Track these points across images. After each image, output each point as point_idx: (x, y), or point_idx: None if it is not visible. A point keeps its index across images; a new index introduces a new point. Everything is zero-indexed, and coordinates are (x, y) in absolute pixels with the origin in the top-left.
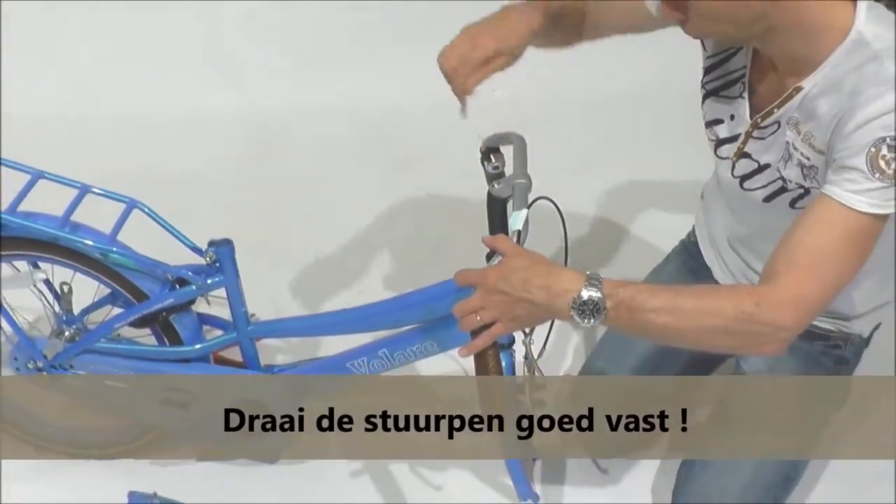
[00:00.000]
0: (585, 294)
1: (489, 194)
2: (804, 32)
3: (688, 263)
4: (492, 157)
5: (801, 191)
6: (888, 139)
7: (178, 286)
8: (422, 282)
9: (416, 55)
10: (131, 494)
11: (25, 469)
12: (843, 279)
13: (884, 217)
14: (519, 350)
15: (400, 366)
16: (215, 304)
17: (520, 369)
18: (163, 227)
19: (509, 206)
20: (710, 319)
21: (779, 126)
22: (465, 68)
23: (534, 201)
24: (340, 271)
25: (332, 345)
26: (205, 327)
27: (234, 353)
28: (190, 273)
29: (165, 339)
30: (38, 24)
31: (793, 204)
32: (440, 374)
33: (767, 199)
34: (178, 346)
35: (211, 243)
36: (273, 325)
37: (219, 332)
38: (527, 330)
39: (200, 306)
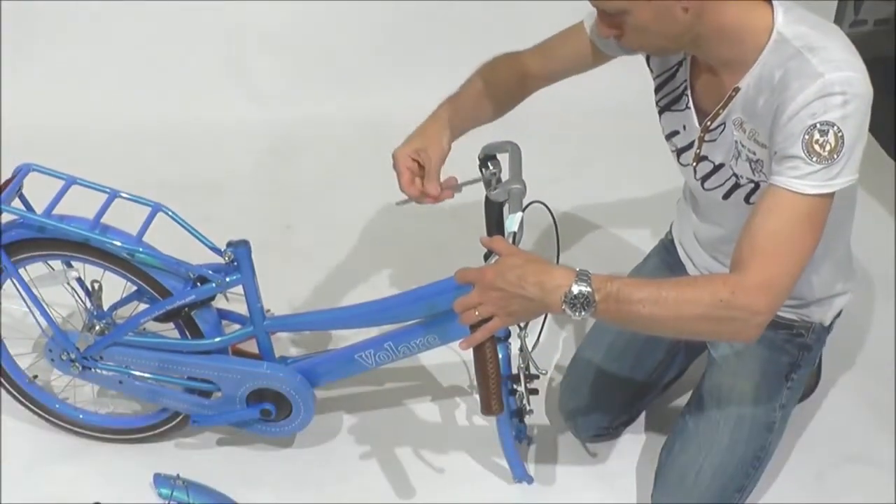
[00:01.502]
0: (576, 289)
1: (487, 199)
2: (729, 36)
3: (666, 260)
4: (489, 164)
5: (752, 185)
6: (817, 125)
7: (199, 284)
8: (424, 279)
9: (419, 73)
10: (156, 476)
11: (56, 451)
12: (803, 258)
13: (829, 195)
14: (514, 343)
15: (404, 357)
16: (233, 301)
17: (515, 360)
18: (185, 228)
19: (505, 209)
20: (690, 308)
21: (725, 126)
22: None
23: (528, 205)
24: (349, 270)
25: (342, 338)
26: (223, 322)
27: (251, 346)
28: (210, 272)
29: (187, 333)
30: (65, 37)
31: (747, 199)
32: (441, 363)
33: (726, 196)
34: (199, 339)
35: (229, 244)
36: (287, 320)
37: (236, 327)
38: (522, 324)
39: (219, 302)
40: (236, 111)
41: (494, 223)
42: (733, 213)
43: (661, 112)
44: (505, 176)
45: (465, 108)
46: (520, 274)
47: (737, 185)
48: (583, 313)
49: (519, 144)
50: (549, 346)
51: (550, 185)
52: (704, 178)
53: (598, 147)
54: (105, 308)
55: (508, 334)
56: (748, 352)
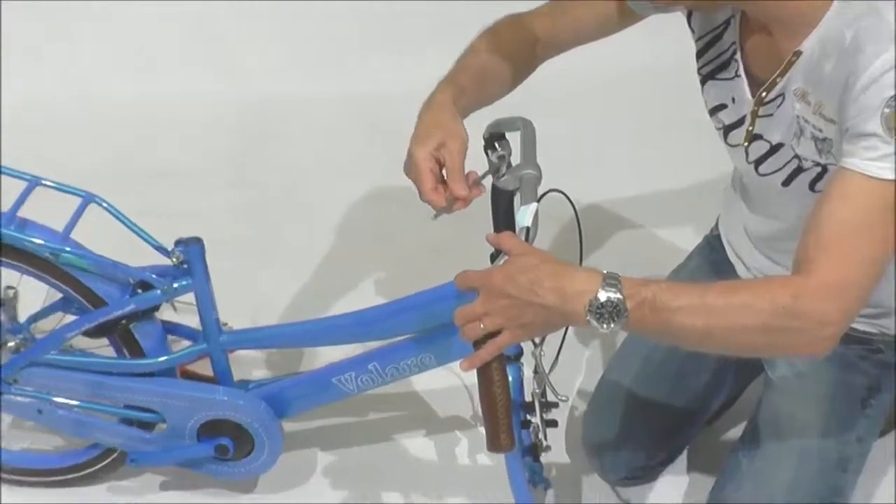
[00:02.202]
0: (603, 295)
1: (494, 187)
2: None
3: (711, 260)
4: (496, 145)
5: (819, 169)
6: None
7: (140, 290)
8: (418, 285)
9: (416, 43)
10: None
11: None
12: (882, 255)
13: None
14: (528, 364)
15: (392, 382)
16: (182, 312)
17: (529, 385)
18: (123, 223)
19: (516, 200)
20: (743, 318)
21: (784, 98)
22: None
23: (544, 195)
24: (327, 274)
25: (316, 357)
26: (170, 337)
27: (204, 367)
28: (154, 276)
29: (125, 351)
30: (10, 4)
31: (812, 186)
32: (438, 388)
33: (786, 182)
34: (140, 359)
35: (178, 242)
36: (249, 335)
37: (186, 343)
38: (536, 340)
39: (165, 313)
40: (201, 86)
41: (503, 217)
42: (794, 204)
43: (703, 81)
44: (515, 159)
45: (468, 87)
46: (534, 277)
47: (799, 170)
48: (612, 325)
49: (532, 121)
50: (570, 367)
51: (571, 169)
52: (759, 162)
53: (628, 123)
54: (21, 320)
55: (521, 353)
56: (815, 372)
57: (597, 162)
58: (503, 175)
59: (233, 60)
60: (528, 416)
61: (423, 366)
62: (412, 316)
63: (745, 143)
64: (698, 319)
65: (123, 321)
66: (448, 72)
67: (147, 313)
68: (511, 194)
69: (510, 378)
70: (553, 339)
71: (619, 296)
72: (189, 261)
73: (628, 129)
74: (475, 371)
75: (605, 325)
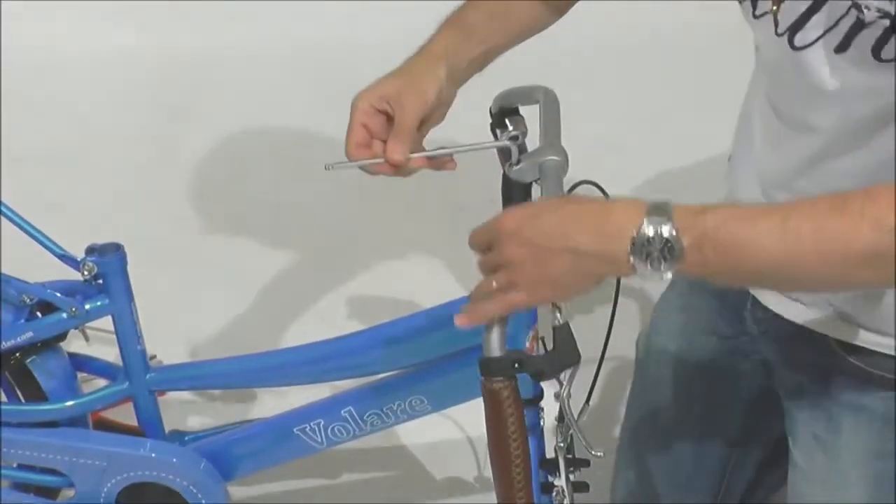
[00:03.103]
0: (650, 228)
1: (505, 177)
2: None
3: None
4: (507, 122)
5: (888, 22)
6: None
7: (39, 313)
8: (406, 307)
9: None
10: None
11: None
12: None
13: None
14: (550, 408)
15: (373, 433)
16: (97, 342)
17: (552, 437)
18: (16, 224)
19: (535, 193)
20: (838, 246)
21: None
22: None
23: (574, 187)
24: (289, 292)
25: (273, 400)
26: (81, 375)
27: (126, 414)
28: (58, 294)
29: (19, 393)
30: None
31: (877, 50)
32: (433, 442)
33: (840, 47)
34: (40, 404)
35: (91, 250)
36: (184, 372)
37: (102, 383)
38: (563, 378)
39: (73, 344)
40: (113, 38)
41: None
42: (845, 94)
43: None
44: (533, 142)
45: (478, 26)
46: (562, 216)
47: (860, 25)
48: (665, 268)
49: (555, 90)
50: (606, 412)
51: (606, 154)
52: (795, 28)
53: (678, 92)
54: None
55: (540, 395)
56: (848, 444)
57: (638, 143)
58: (518, 162)
59: (145, 9)
60: (550, 478)
61: (413, 412)
62: (399, 347)
63: (774, 6)
64: (780, 253)
65: (17, 354)
66: (457, 6)
67: (49, 344)
68: (528, 187)
69: (527, 427)
70: (582, 378)
71: (669, 227)
72: (105, 274)
73: (678, 99)
74: (483, 419)
75: (655, 270)
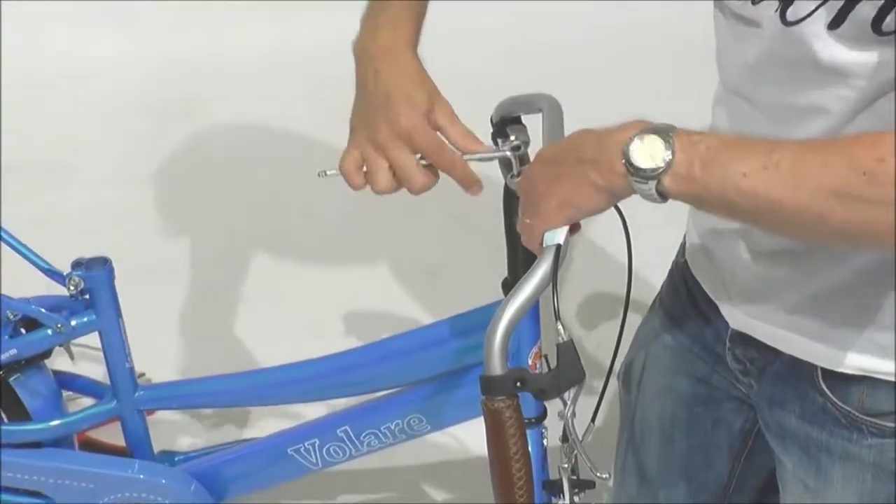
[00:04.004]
0: (645, 137)
1: (507, 189)
2: None
3: (670, 306)
4: (509, 132)
5: None
6: None
7: (24, 330)
8: (405, 322)
9: None
10: None
11: None
12: None
13: None
14: (553, 428)
15: (370, 453)
16: (83, 359)
17: (555, 458)
18: (0, 239)
19: None
20: (815, 180)
21: None
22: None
23: None
24: (283, 307)
25: (266, 420)
26: (66, 394)
27: (113, 434)
28: (43, 309)
29: (2, 413)
30: None
31: (877, 21)
32: (432, 463)
33: (834, 23)
34: (23, 423)
35: (77, 264)
36: (174, 390)
37: (89, 402)
38: (567, 397)
39: (58, 361)
40: (102, 46)
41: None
42: (843, 67)
43: None
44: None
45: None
46: (576, 137)
47: None
48: (651, 185)
49: (558, 99)
50: (614, 428)
51: None
52: (786, 2)
53: (694, 101)
54: None
55: (543, 414)
56: (836, 490)
57: None
58: (520, 173)
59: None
60: (554, 500)
61: (412, 431)
62: (397, 364)
63: None
64: (757, 181)
65: (0, 372)
66: None
67: (34, 361)
68: None
69: (530, 446)
70: (588, 397)
71: (661, 143)
72: (92, 289)
73: (676, 111)
74: (484, 439)
75: (645, 184)
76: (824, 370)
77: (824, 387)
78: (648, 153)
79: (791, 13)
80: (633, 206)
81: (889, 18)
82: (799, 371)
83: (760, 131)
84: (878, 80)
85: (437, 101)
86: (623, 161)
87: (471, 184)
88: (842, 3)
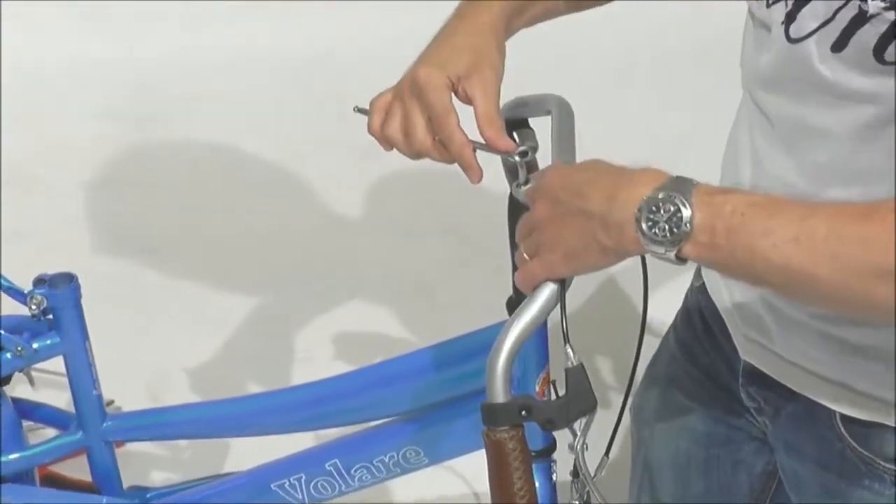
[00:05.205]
0: (662, 194)
1: (512, 199)
2: None
3: (684, 338)
4: (515, 136)
5: (894, 16)
6: None
7: None
8: (399, 345)
9: None
10: None
11: None
12: None
13: None
14: (564, 461)
15: (361, 489)
16: (44, 385)
17: (566, 493)
18: None
19: None
20: (858, 254)
21: None
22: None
23: None
24: (266, 327)
25: (246, 452)
26: (27, 424)
27: (79, 468)
28: (1, 331)
29: None
30: None
31: (879, 50)
32: (429, 499)
33: (838, 45)
34: None
35: (39, 281)
36: (145, 420)
37: (52, 433)
38: (577, 428)
39: (18, 388)
40: (69, 43)
41: None
42: (848, 91)
43: None
44: (546, 159)
45: None
46: (591, 176)
47: (861, 19)
48: (670, 245)
49: (568, 101)
50: (627, 464)
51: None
52: (790, 17)
53: (715, 108)
54: None
55: (553, 446)
56: None
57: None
58: (527, 182)
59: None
60: None
61: (407, 465)
62: (391, 391)
63: None
64: (790, 252)
65: None
66: None
67: None
68: None
69: (537, 483)
70: (600, 429)
71: (683, 199)
72: (56, 308)
73: (693, 110)
74: (487, 474)
75: (660, 242)
76: (843, 413)
77: (843, 431)
78: (665, 217)
79: (794, 30)
80: None
81: (891, 48)
82: (816, 413)
83: (773, 149)
84: (888, 108)
85: (481, 70)
86: (636, 227)
87: (467, 167)
88: (843, 25)
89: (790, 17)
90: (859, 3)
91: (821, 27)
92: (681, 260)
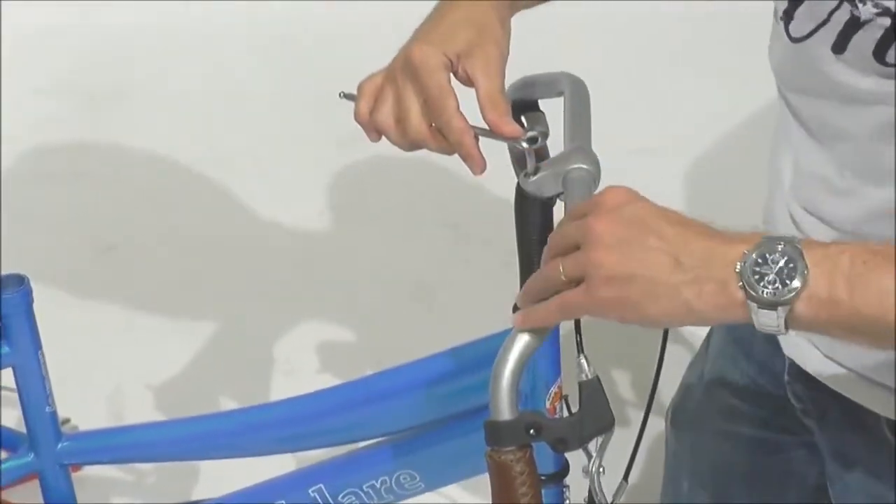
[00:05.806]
0: (769, 245)
1: (519, 190)
2: None
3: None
4: (524, 120)
5: (889, 21)
6: None
7: None
8: (393, 355)
9: None
10: None
11: None
12: None
13: None
14: (578, 485)
15: None
16: None
17: None
18: None
19: (559, 211)
20: None
21: None
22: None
23: None
24: (244, 336)
25: (222, 477)
26: None
27: (30, 494)
28: None
29: None
30: None
31: (880, 51)
32: None
33: (837, 48)
34: None
35: None
36: (105, 441)
37: (1, 455)
38: (592, 448)
39: None
40: (8, 12)
41: (538, 238)
42: (854, 105)
43: None
44: (557, 146)
45: None
46: (677, 218)
47: (855, 24)
48: (781, 314)
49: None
50: (651, 486)
51: (651, 159)
52: (788, 15)
53: (731, 88)
54: None
55: (565, 470)
56: None
57: (684, 147)
58: (536, 171)
59: None
60: None
61: (402, 491)
62: (383, 407)
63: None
64: None
65: None
66: None
67: None
68: (548, 204)
69: None
70: (618, 451)
71: (794, 248)
72: (5, 315)
73: (712, 98)
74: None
75: (770, 299)
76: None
77: (889, 436)
78: (774, 270)
79: (794, 29)
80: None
81: (891, 52)
82: (864, 417)
83: (806, 144)
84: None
85: (484, 47)
86: (741, 284)
87: (467, 156)
88: (839, 28)
89: (788, 16)
90: (851, 8)
91: (818, 28)
92: (787, 327)
